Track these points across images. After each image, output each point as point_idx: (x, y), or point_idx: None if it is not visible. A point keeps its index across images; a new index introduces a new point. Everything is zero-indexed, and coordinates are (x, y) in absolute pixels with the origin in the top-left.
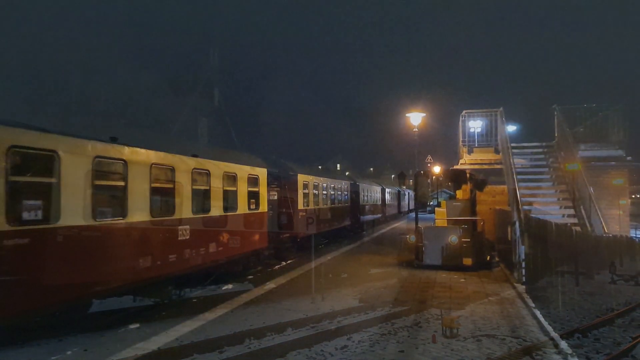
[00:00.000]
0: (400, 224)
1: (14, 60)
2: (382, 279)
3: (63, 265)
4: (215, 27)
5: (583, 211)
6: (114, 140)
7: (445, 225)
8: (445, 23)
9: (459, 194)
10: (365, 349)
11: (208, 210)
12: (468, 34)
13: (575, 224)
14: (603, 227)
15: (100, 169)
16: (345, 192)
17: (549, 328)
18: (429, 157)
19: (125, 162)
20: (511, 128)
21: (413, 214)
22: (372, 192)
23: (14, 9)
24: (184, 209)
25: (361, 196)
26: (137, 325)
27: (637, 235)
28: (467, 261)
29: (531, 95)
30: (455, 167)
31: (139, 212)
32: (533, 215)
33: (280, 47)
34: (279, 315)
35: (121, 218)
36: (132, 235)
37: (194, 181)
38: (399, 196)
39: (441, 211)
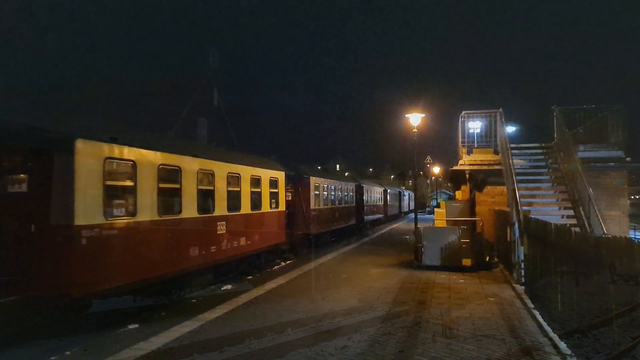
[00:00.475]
0: (401, 224)
1: (14, 60)
2: (382, 279)
3: (139, 250)
4: (216, 26)
5: (582, 212)
6: (173, 150)
7: (445, 225)
8: (445, 23)
9: (459, 194)
10: (365, 349)
11: (239, 209)
12: (469, 34)
13: (574, 225)
14: (602, 227)
15: (163, 175)
16: (351, 193)
17: (548, 328)
18: (428, 157)
19: (180, 169)
20: (510, 129)
21: (413, 215)
22: (374, 193)
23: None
24: (221, 207)
25: (365, 197)
26: (137, 325)
27: (637, 236)
28: (467, 262)
29: (531, 96)
30: (455, 167)
31: (190, 210)
32: (532, 216)
33: (280, 47)
34: (279, 315)
35: (178, 214)
36: (185, 228)
37: (228, 183)
38: (400, 197)
39: (440, 212)
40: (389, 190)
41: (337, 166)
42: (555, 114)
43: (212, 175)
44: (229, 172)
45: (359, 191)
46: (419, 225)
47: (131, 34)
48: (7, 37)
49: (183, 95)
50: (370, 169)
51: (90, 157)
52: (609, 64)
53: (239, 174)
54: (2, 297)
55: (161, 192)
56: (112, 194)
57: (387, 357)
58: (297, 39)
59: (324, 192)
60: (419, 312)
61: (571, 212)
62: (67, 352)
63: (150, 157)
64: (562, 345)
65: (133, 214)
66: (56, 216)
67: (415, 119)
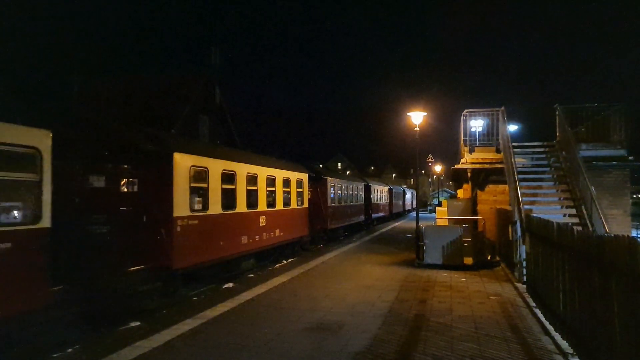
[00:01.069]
0: (404, 222)
1: (14, 59)
2: (383, 277)
3: (211, 237)
4: (217, 24)
5: (584, 211)
6: (231, 158)
7: (447, 224)
8: (447, 22)
9: (460, 193)
10: (367, 346)
11: (274, 206)
12: (470, 34)
13: (576, 224)
14: (604, 227)
15: (224, 178)
16: (361, 192)
17: (550, 327)
18: (430, 156)
19: (235, 173)
20: (512, 127)
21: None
22: (381, 192)
23: (17, 9)
24: (262, 204)
25: (372, 195)
26: (138, 323)
27: (639, 235)
28: (468, 260)
29: (533, 94)
30: (457, 166)
31: (241, 206)
32: (534, 215)
33: (281, 45)
34: (280, 313)
35: (233, 210)
36: (239, 221)
37: (267, 184)
38: (403, 195)
39: (442, 210)
40: (393, 190)
41: (339, 164)
42: (557, 112)
43: (256, 177)
44: (267, 175)
45: (367, 190)
46: (421, 223)
47: (132, 32)
48: (7, 33)
49: (184, 93)
50: (372, 168)
51: (182, 165)
52: (611, 62)
53: (275, 176)
54: (133, 266)
55: (223, 191)
56: (194, 193)
57: (388, 355)
58: (299, 36)
59: (339, 192)
60: (420, 310)
61: (573, 211)
62: (69, 350)
63: (217, 165)
64: (564, 344)
65: (206, 208)
66: (161, 209)
67: (417, 117)
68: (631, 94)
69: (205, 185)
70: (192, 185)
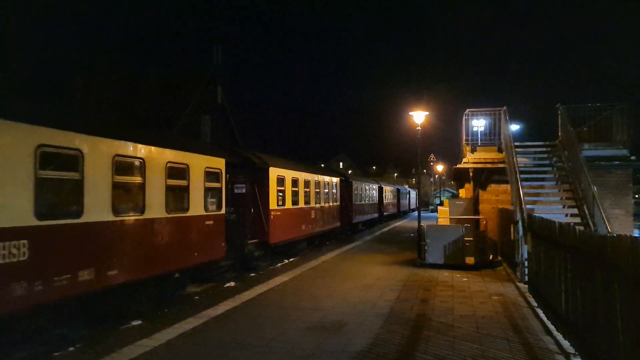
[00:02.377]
0: (405, 222)
1: (13, 58)
2: (385, 277)
3: (288, 224)
4: (219, 23)
5: (586, 211)
6: (295, 168)
7: (448, 224)
8: (448, 22)
9: (462, 192)
10: (368, 346)
11: (320, 203)
12: (471, 33)
13: (578, 224)
14: (607, 226)
15: (292, 183)
16: (374, 192)
17: (552, 327)
18: (432, 155)
19: (298, 179)
20: (515, 127)
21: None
22: (391, 193)
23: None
24: (313, 201)
25: (384, 195)
26: (140, 321)
27: None
28: (470, 260)
29: (535, 94)
30: (459, 165)
31: (302, 203)
32: (536, 215)
33: (282, 44)
34: (282, 312)
35: (297, 205)
36: (301, 213)
37: (315, 187)
38: (409, 195)
39: (444, 210)
40: (400, 190)
41: (341, 164)
42: (559, 112)
43: (309, 182)
44: (315, 180)
45: (380, 191)
46: (423, 223)
47: (134, 32)
48: (5, 33)
49: (186, 93)
50: (374, 167)
51: (273, 175)
52: (614, 62)
53: (319, 181)
54: (251, 240)
55: (292, 192)
56: (278, 193)
57: (390, 355)
58: (301, 36)
59: (360, 193)
60: (422, 309)
61: (575, 211)
62: (71, 348)
63: (289, 174)
64: (566, 343)
65: (283, 204)
66: (262, 204)
67: (418, 116)
68: (634, 93)
69: (283, 188)
70: (278, 188)
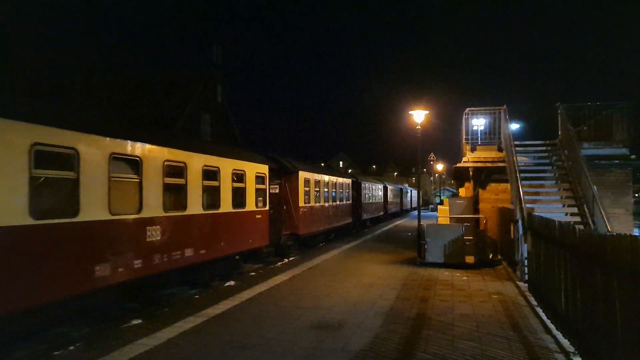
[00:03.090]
0: (405, 221)
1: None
2: (385, 276)
3: (312, 219)
4: (219, 22)
5: (586, 210)
6: (317, 171)
7: (448, 223)
8: (448, 21)
9: (462, 191)
10: (368, 345)
11: (336, 201)
12: (471, 33)
13: (578, 223)
14: (606, 225)
15: (315, 184)
16: (380, 192)
17: (552, 326)
18: (432, 155)
19: (320, 180)
20: (514, 126)
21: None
22: (394, 192)
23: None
24: (331, 200)
25: (388, 194)
26: (140, 321)
27: None
28: (470, 259)
29: (535, 93)
30: (458, 165)
31: (322, 201)
32: (536, 214)
33: (283, 43)
34: (282, 311)
35: (323, 203)
36: (322, 211)
37: (332, 187)
38: (411, 194)
39: (444, 209)
40: (404, 189)
41: (341, 163)
42: (559, 111)
43: (328, 182)
44: (331, 181)
45: (384, 190)
46: (422, 222)
47: (135, 30)
48: (5, 33)
49: (186, 91)
50: (374, 166)
51: (302, 178)
52: (614, 61)
53: (336, 182)
54: (285, 232)
55: (315, 192)
56: (305, 193)
57: (389, 354)
58: (301, 34)
59: (368, 192)
60: (422, 308)
61: (575, 210)
62: (71, 347)
63: (313, 176)
64: (565, 342)
65: (310, 202)
66: (293, 202)
67: (418, 115)
68: (634, 92)
69: (308, 188)
70: (305, 188)
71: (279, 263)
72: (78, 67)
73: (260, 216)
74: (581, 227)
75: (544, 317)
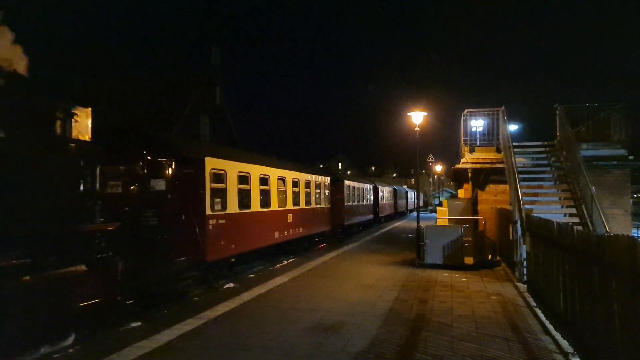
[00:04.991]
0: (404, 222)
1: None
2: (384, 277)
3: (352, 213)
4: (218, 22)
5: (585, 210)
6: (354, 179)
7: (447, 224)
8: (447, 22)
9: (461, 193)
10: (367, 346)
11: (363, 201)
12: (470, 33)
13: (577, 224)
14: (605, 226)
15: (347, 188)
16: (390, 194)
17: (550, 326)
18: (431, 156)
19: (343, 184)
20: (513, 127)
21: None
22: (387, 193)
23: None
24: (359, 200)
25: (379, 196)
26: (139, 323)
27: (639, 235)
28: (469, 260)
29: (533, 94)
30: (457, 166)
31: (355, 201)
32: (534, 215)
33: (282, 44)
34: (281, 313)
35: (353, 202)
36: (356, 208)
37: (363, 192)
38: (407, 196)
39: (443, 210)
40: (398, 190)
41: (339, 164)
42: (557, 112)
43: (361, 188)
44: (362, 187)
45: (393, 192)
46: (421, 223)
47: (133, 32)
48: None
49: (185, 93)
50: (373, 167)
51: (346, 185)
52: (612, 62)
53: (364, 187)
54: (336, 222)
55: (349, 195)
56: (346, 196)
57: (389, 355)
58: (299, 36)
59: (383, 194)
60: (421, 310)
61: (573, 211)
62: (70, 350)
63: (350, 183)
64: (564, 343)
65: (349, 201)
66: (339, 202)
67: (417, 117)
68: (632, 93)
69: (348, 193)
70: (346, 193)
71: (277, 265)
72: (77, 67)
73: (325, 211)
74: (580, 228)
75: (543, 318)
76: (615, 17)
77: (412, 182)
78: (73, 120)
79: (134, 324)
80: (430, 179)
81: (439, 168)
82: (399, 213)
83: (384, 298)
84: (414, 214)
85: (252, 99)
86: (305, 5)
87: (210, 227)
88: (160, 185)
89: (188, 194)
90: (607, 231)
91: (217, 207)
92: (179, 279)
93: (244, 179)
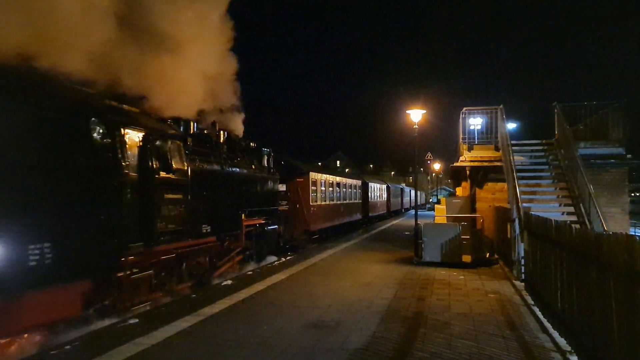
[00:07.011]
0: (402, 220)
1: None
2: (382, 275)
3: (374, 208)
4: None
5: (583, 209)
6: (373, 181)
7: (445, 222)
8: (446, 20)
9: (459, 191)
10: (364, 344)
11: (379, 199)
12: (468, 32)
13: (575, 222)
14: (603, 225)
15: (370, 188)
16: (399, 192)
17: (548, 325)
18: (429, 154)
19: (375, 187)
20: (511, 125)
21: (422, 210)
22: (395, 191)
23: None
24: (374, 198)
25: (391, 194)
26: (137, 320)
27: (637, 233)
28: (467, 258)
29: (532, 93)
30: (455, 164)
31: (375, 199)
32: (533, 213)
33: (280, 43)
34: (279, 310)
35: (374, 200)
36: (376, 203)
37: (378, 190)
38: (410, 194)
39: (441, 208)
40: (404, 189)
41: (338, 162)
42: (556, 110)
43: (374, 187)
44: (374, 186)
45: (387, 189)
46: (420, 221)
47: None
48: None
49: None
50: (371, 165)
51: (370, 186)
52: (611, 61)
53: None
54: (363, 214)
55: (371, 194)
56: (370, 194)
57: (387, 352)
58: (298, 34)
59: (374, 191)
60: (419, 307)
61: (571, 209)
62: (67, 347)
63: (373, 185)
64: (562, 341)
65: (374, 198)
66: (366, 199)
67: (416, 115)
68: (630, 92)
69: (371, 191)
70: (370, 192)
71: (276, 262)
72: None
73: (359, 204)
74: (577, 226)
75: (541, 316)
76: (614, 16)
77: (411, 180)
78: (270, 158)
79: (131, 321)
80: (429, 177)
81: (437, 166)
82: (393, 212)
83: (382, 295)
84: (411, 212)
85: (250, 96)
86: (304, 2)
87: (312, 211)
88: (292, 187)
89: (302, 192)
90: (605, 229)
91: (314, 201)
92: (297, 239)
93: (324, 183)
